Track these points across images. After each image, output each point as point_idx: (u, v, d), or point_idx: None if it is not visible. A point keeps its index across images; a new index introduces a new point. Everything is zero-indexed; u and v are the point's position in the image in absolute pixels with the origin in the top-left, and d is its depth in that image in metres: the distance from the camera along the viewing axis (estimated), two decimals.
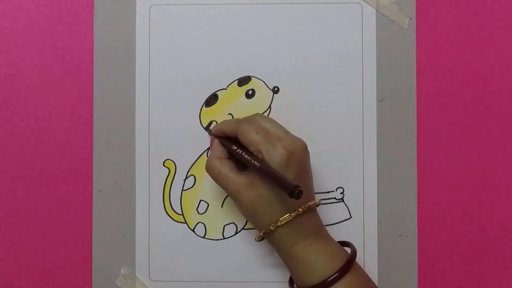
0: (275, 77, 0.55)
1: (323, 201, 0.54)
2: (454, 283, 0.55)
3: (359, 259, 0.54)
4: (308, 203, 0.47)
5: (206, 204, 0.55)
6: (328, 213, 0.54)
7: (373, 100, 0.55)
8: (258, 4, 0.55)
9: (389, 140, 0.55)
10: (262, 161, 0.47)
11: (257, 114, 0.52)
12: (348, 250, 0.50)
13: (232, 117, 0.55)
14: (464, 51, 0.55)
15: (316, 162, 0.53)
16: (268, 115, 0.55)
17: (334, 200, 0.55)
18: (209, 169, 0.50)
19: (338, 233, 0.53)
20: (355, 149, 0.55)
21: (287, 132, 0.49)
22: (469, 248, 0.55)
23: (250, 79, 0.55)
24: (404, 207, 0.55)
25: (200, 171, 0.55)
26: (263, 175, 0.46)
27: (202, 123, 0.55)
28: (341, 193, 0.55)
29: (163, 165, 0.55)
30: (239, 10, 0.55)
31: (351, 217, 0.55)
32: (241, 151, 0.49)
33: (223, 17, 0.55)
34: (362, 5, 0.55)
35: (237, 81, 0.55)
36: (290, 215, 0.46)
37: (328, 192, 0.54)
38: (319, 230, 0.49)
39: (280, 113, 0.55)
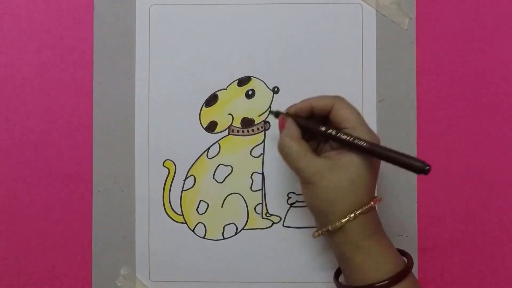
0: (275, 77, 0.55)
1: None
2: (454, 283, 0.55)
3: None
4: (376, 197, 0.46)
5: (206, 204, 0.55)
6: None
7: (373, 100, 0.55)
8: (258, 4, 0.55)
9: (389, 140, 0.55)
10: (367, 140, 0.44)
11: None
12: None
13: (232, 117, 0.55)
14: (464, 51, 0.55)
15: None
16: (268, 115, 0.55)
17: None
18: (284, 148, 0.46)
19: None
20: None
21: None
22: (469, 248, 0.55)
23: (250, 79, 0.55)
24: (404, 207, 0.55)
25: (200, 171, 0.55)
26: (373, 154, 0.44)
27: (202, 123, 0.55)
28: None
29: (163, 165, 0.55)
30: (239, 10, 0.55)
31: None
32: (335, 132, 0.45)
33: (223, 17, 0.55)
34: (362, 5, 0.55)
35: (237, 81, 0.55)
36: (366, 207, 0.44)
37: None
38: (382, 229, 0.47)
39: None
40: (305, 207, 0.53)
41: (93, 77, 0.55)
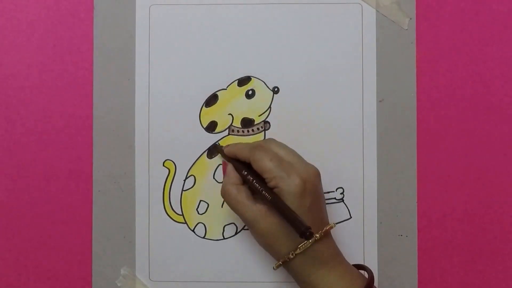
0: (275, 77, 0.55)
1: None
2: (454, 283, 0.55)
3: (359, 260, 0.54)
4: (324, 228, 0.47)
5: (206, 204, 0.55)
6: (328, 214, 0.54)
7: (373, 100, 0.55)
8: (258, 4, 0.55)
9: (389, 140, 0.55)
10: (274, 193, 0.47)
11: (270, 140, 0.51)
12: (364, 273, 0.49)
13: (232, 117, 0.55)
14: (464, 51, 0.55)
15: (316, 162, 0.53)
16: (268, 115, 0.55)
17: (334, 201, 0.55)
18: (225, 195, 0.50)
19: (338, 234, 0.53)
20: (355, 149, 0.55)
21: (300, 159, 0.49)
22: (469, 248, 0.55)
23: (250, 79, 0.55)
24: (404, 207, 0.55)
25: (200, 171, 0.55)
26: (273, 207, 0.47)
27: (202, 123, 0.55)
28: (341, 193, 0.55)
29: (163, 165, 0.55)
30: (239, 10, 0.55)
31: (351, 217, 0.55)
32: (252, 179, 0.49)
33: (223, 17, 0.55)
34: (362, 5, 0.55)
35: (237, 81, 0.55)
36: (308, 242, 0.46)
37: (328, 192, 0.54)
38: (336, 256, 0.48)
39: (280, 113, 0.55)
40: None
41: (93, 77, 0.55)
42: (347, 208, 0.55)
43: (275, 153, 0.48)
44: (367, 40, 0.55)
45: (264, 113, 0.55)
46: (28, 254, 0.55)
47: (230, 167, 0.51)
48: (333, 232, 0.50)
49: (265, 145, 0.50)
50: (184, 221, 0.55)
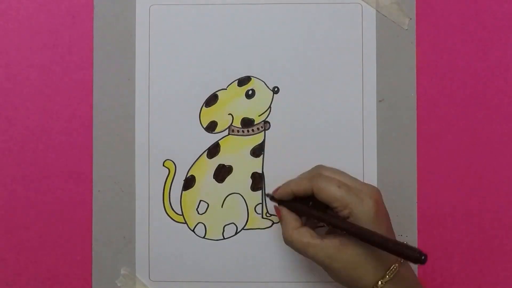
0: (275, 77, 0.55)
1: None
2: (454, 283, 0.55)
3: None
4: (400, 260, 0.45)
5: (206, 204, 0.55)
6: None
7: (373, 100, 0.55)
8: (258, 4, 0.55)
9: (389, 140, 0.55)
10: (355, 225, 0.43)
11: (321, 166, 0.48)
12: None
13: (232, 117, 0.55)
14: (464, 51, 0.55)
15: (316, 162, 0.52)
16: (268, 115, 0.55)
17: None
18: (290, 243, 0.47)
19: None
20: (355, 149, 0.55)
21: (359, 181, 0.47)
22: (469, 248, 0.55)
23: (250, 79, 0.55)
24: (404, 207, 0.55)
25: (200, 171, 0.55)
26: (368, 242, 0.42)
27: (202, 123, 0.55)
28: None
29: (163, 165, 0.55)
30: (239, 10, 0.55)
31: None
32: (329, 219, 0.45)
33: (223, 17, 0.55)
34: (362, 5, 0.55)
35: (237, 81, 0.55)
36: (394, 266, 0.43)
37: None
38: (416, 278, 0.46)
39: (280, 113, 0.55)
40: None
41: (93, 77, 0.55)
42: None
43: (338, 180, 0.45)
44: (367, 40, 0.55)
45: (264, 113, 0.55)
46: (28, 254, 0.55)
47: (284, 211, 0.48)
48: None
49: (324, 173, 0.47)
50: (184, 221, 0.55)
